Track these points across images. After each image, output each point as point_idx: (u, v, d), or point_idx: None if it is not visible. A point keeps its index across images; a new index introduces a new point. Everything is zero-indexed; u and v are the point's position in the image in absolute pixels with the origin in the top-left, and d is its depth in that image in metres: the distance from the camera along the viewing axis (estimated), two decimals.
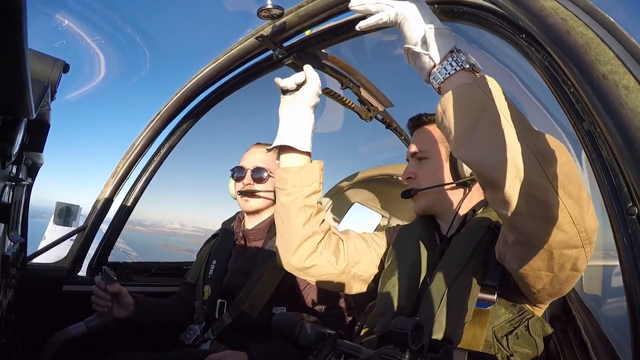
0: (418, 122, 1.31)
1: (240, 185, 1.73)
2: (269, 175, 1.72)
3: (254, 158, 1.76)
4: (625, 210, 0.48)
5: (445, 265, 1.06)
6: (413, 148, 1.26)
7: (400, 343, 0.76)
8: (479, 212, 1.17)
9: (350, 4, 0.95)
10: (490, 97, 0.76)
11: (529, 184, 0.70)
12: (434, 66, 0.87)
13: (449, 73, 0.85)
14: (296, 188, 1.15)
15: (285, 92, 1.22)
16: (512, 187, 0.71)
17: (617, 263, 0.49)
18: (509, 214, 0.74)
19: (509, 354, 0.95)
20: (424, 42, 0.87)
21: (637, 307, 0.46)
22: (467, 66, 0.84)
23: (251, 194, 1.71)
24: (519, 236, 0.77)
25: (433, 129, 1.25)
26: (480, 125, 0.75)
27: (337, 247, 1.23)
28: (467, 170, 1.15)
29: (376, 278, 1.30)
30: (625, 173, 0.48)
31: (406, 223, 1.36)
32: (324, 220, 1.22)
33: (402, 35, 0.91)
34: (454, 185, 1.18)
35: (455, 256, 1.05)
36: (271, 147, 1.23)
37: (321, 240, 1.19)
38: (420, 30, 0.88)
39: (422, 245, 1.17)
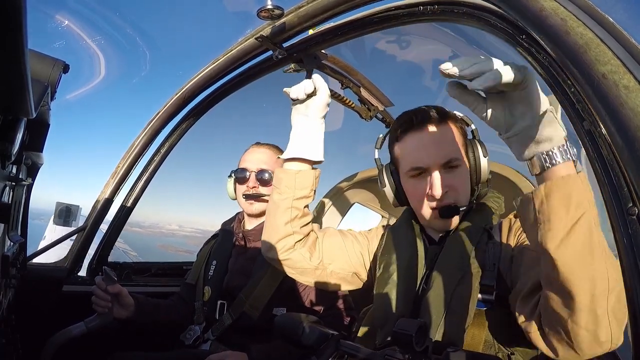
0: (439, 115, 1.10)
1: (244, 188, 1.72)
2: (272, 177, 1.71)
3: (256, 159, 1.74)
4: (626, 210, 0.48)
5: (444, 269, 1.04)
6: (444, 155, 1.07)
7: (404, 344, 0.76)
8: (472, 210, 1.15)
9: (446, 68, 0.77)
10: (589, 201, 0.73)
11: (595, 300, 0.71)
12: (561, 142, 0.76)
13: (569, 158, 0.75)
14: (288, 189, 1.21)
15: (295, 100, 1.21)
16: (584, 300, 0.71)
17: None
18: (566, 320, 0.74)
19: (509, 352, 0.95)
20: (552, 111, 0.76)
21: (637, 307, 0.46)
22: (575, 158, 0.77)
23: (258, 197, 1.70)
24: (564, 337, 0.77)
25: (452, 125, 1.12)
26: (577, 226, 0.71)
27: (313, 245, 1.27)
28: (484, 176, 1.12)
29: (357, 278, 1.32)
30: (625, 173, 0.48)
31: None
32: (308, 224, 1.26)
33: (524, 97, 0.77)
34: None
35: (455, 259, 1.04)
36: (285, 157, 1.25)
37: (300, 240, 1.24)
38: (544, 97, 0.77)
39: (413, 249, 1.15)
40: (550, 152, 0.76)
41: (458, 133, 1.12)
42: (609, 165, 0.51)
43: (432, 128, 1.09)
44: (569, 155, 0.76)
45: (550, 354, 0.83)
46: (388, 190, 1.21)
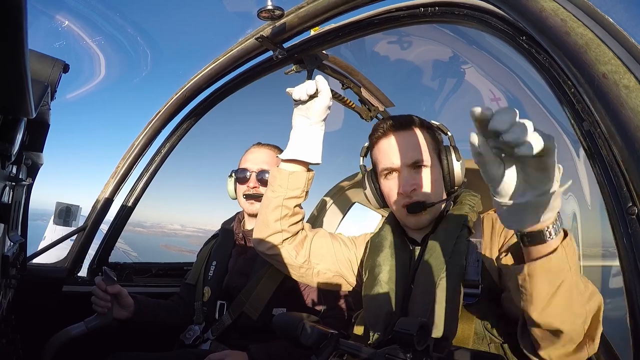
0: (409, 123, 1.21)
1: (244, 188, 1.72)
2: None
3: (257, 160, 1.74)
4: (625, 210, 0.48)
5: (428, 267, 1.08)
6: (411, 156, 1.17)
7: (405, 344, 0.76)
8: (450, 210, 1.20)
9: (480, 116, 0.64)
10: (570, 265, 0.77)
11: (577, 333, 0.82)
12: (555, 217, 0.74)
13: (559, 231, 0.75)
14: (281, 188, 1.26)
15: (297, 101, 1.23)
16: (568, 335, 0.81)
17: (616, 263, 0.49)
18: (546, 347, 0.85)
19: (501, 342, 0.98)
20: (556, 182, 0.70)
21: (637, 307, 0.46)
22: (562, 228, 0.78)
23: (258, 197, 1.69)
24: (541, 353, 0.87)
25: (423, 131, 1.22)
26: (557, 293, 0.77)
27: (301, 244, 1.31)
28: (458, 179, 1.19)
29: (344, 280, 1.35)
30: (625, 173, 0.48)
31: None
32: (297, 222, 1.30)
33: (544, 166, 0.66)
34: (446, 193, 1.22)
35: (437, 257, 1.08)
36: (283, 157, 1.27)
37: (287, 238, 1.29)
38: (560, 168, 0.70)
39: (398, 250, 1.20)
40: (545, 230, 0.74)
41: (428, 139, 1.21)
42: (608, 166, 0.50)
43: (401, 133, 1.20)
44: (559, 229, 0.75)
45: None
46: (368, 192, 1.30)
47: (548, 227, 0.74)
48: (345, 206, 3.10)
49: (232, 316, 1.60)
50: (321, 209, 3.00)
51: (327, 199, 2.99)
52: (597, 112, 0.51)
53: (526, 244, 0.78)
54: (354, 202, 3.10)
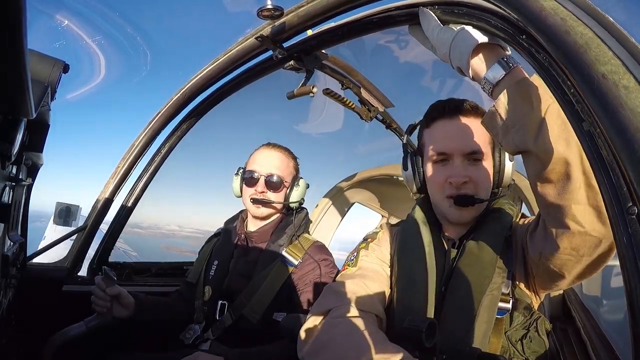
0: (473, 109, 1.10)
1: (251, 191, 1.69)
2: (283, 185, 1.70)
3: (268, 164, 1.70)
4: (625, 210, 0.47)
5: (468, 276, 1.02)
6: (469, 145, 1.06)
7: (414, 340, 0.76)
8: (489, 215, 1.12)
9: None
10: (550, 95, 0.75)
11: (589, 175, 0.72)
12: (501, 57, 0.82)
13: (513, 64, 0.80)
14: None
15: None
16: (579, 176, 0.73)
17: (617, 263, 0.49)
18: (571, 204, 0.75)
19: (524, 358, 0.96)
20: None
21: (637, 308, 0.46)
22: (519, 65, 0.81)
23: (265, 203, 1.68)
24: (576, 227, 0.76)
25: (479, 122, 1.10)
26: (547, 115, 0.73)
27: None
28: (507, 179, 1.11)
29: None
30: (625, 173, 0.48)
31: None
32: None
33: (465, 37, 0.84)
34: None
35: (478, 266, 1.02)
36: None
37: None
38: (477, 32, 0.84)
39: (430, 251, 1.11)
40: (499, 65, 0.80)
41: (486, 133, 1.12)
42: (608, 166, 0.50)
43: (462, 118, 1.09)
44: (515, 62, 0.80)
45: (573, 253, 0.82)
46: (409, 174, 1.19)
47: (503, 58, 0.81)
48: (344, 207, 3.11)
49: (232, 317, 1.60)
50: (320, 210, 3.00)
51: (326, 200, 2.99)
52: (597, 112, 0.51)
53: (492, 80, 0.81)
54: (353, 203, 3.11)
